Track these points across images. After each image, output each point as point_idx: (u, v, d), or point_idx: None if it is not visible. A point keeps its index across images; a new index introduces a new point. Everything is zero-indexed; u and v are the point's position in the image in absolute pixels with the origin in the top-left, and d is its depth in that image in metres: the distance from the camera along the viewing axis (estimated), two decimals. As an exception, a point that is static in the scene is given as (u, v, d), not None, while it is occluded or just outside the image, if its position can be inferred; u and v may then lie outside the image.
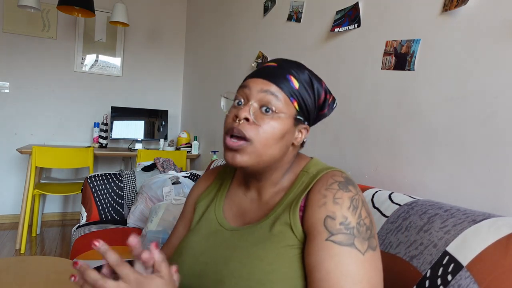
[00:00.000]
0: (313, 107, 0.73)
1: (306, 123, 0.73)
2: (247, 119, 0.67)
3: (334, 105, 0.78)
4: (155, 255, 0.55)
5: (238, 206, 0.78)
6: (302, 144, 0.76)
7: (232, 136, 0.68)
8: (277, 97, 0.68)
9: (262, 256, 0.65)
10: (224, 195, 0.81)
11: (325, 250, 0.60)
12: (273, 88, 0.68)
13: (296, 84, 0.70)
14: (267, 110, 0.67)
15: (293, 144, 0.72)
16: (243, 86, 0.71)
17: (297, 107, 0.70)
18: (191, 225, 0.81)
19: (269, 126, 0.67)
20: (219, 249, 0.71)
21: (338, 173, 0.69)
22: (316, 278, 0.60)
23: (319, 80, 0.74)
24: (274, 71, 0.71)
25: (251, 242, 0.68)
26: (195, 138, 3.34)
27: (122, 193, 2.12)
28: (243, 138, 0.66)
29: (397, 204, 0.99)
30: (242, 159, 0.67)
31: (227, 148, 0.69)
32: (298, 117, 0.70)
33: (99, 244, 0.52)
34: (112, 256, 0.53)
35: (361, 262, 0.60)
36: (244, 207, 0.77)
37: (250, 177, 0.75)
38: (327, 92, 0.75)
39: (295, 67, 0.72)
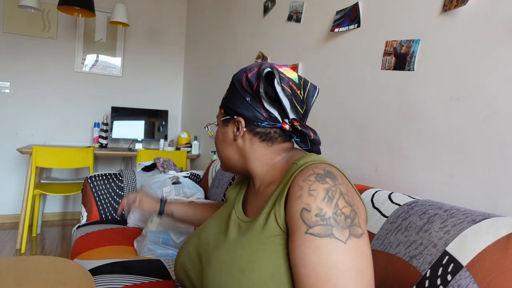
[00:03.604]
0: (239, 97, 0.79)
1: (235, 116, 0.80)
2: None
3: (262, 74, 0.75)
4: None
5: (250, 200, 0.84)
6: (264, 136, 0.79)
7: None
8: (217, 115, 0.87)
9: (246, 245, 0.69)
10: (244, 190, 0.89)
11: (307, 244, 0.61)
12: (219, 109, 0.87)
13: (225, 94, 0.84)
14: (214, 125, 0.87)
15: (235, 138, 0.81)
16: None
17: (223, 111, 0.84)
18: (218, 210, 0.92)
19: (215, 138, 0.88)
20: (220, 235, 0.79)
21: (321, 166, 0.69)
22: (303, 274, 0.61)
23: (242, 71, 0.80)
24: None
25: (242, 233, 0.73)
26: (195, 138, 3.34)
27: (122, 193, 2.12)
28: None
29: (397, 204, 0.99)
30: (220, 165, 0.89)
31: None
32: (223, 118, 0.83)
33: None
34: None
35: (343, 251, 0.60)
36: (251, 200, 0.83)
37: (248, 176, 0.85)
38: (249, 71, 0.78)
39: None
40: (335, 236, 0.60)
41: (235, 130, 0.81)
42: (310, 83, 0.81)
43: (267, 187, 0.79)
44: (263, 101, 0.76)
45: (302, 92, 0.78)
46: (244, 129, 0.79)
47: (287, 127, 0.77)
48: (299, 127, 0.76)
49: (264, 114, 0.76)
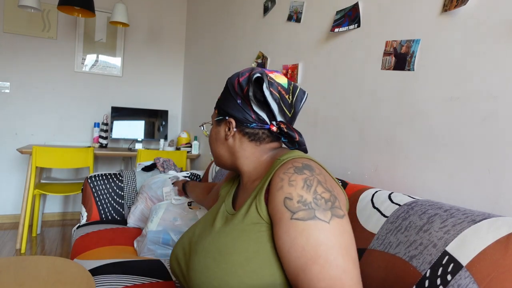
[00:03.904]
0: (231, 99, 0.85)
1: (227, 117, 0.86)
2: None
3: (251, 78, 0.80)
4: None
5: (239, 195, 0.90)
6: (253, 136, 0.84)
7: None
8: (212, 117, 0.94)
9: (228, 233, 0.75)
10: (236, 186, 0.95)
11: (293, 229, 0.66)
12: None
13: (220, 96, 0.90)
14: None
15: (226, 137, 0.87)
16: None
17: (217, 112, 0.90)
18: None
19: (209, 136, 0.95)
20: (208, 225, 0.84)
21: (300, 160, 0.74)
22: (294, 257, 0.65)
23: (235, 75, 0.86)
24: None
25: (226, 223, 0.79)
26: (195, 138, 3.34)
27: (122, 193, 2.12)
28: None
29: (396, 204, 0.99)
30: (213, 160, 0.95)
31: None
32: (217, 118, 0.89)
33: None
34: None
35: (328, 230, 0.65)
36: (240, 195, 0.89)
37: (237, 172, 0.92)
38: (241, 75, 0.84)
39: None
40: (318, 217, 0.65)
41: (226, 130, 0.87)
42: (300, 88, 0.86)
43: (253, 182, 0.84)
44: (252, 104, 0.82)
45: (290, 96, 0.84)
46: (235, 129, 0.85)
47: (274, 129, 0.83)
48: (285, 129, 0.82)
49: (253, 116, 0.82)
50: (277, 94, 0.81)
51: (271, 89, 0.81)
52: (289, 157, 0.77)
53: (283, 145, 0.90)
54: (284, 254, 0.67)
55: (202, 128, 1.03)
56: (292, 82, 0.86)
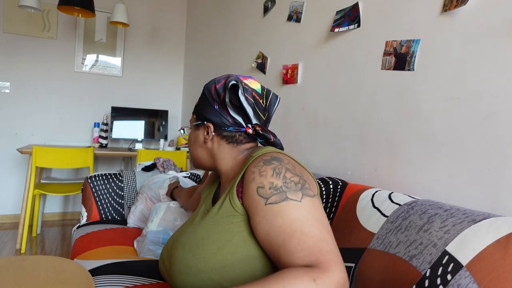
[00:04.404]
0: (209, 104, 0.90)
1: (205, 122, 0.91)
2: None
3: (227, 85, 0.86)
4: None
5: (220, 193, 0.96)
6: (231, 138, 0.89)
7: None
8: (190, 121, 0.99)
9: (203, 226, 0.81)
10: (215, 186, 1.01)
11: (269, 213, 0.71)
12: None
13: (197, 101, 0.95)
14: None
15: (205, 141, 0.92)
16: None
17: (195, 116, 0.95)
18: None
19: (188, 139, 1.00)
20: (188, 224, 0.91)
21: (269, 154, 0.81)
22: (273, 237, 0.70)
23: (212, 82, 0.91)
24: None
25: (204, 217, 0.85)
26: (195, 138, 3.34)
27: (122, 193, 2.12)
28: None
29: (397, 204, 0.99)
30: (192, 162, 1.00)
31: None
32: (195, 123, 0.94)
33: None
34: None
35: (301, 207, 0.70)
36: (219, 194, 0.96)
37: (216, 172, 1.01)
38: (217, 82, 0.89)
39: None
40: (290, 198, 0.71)
41: (205, 134, 0.92)
42: (272, 92, 0.93)
43: (230, 181, 0.90)
44: (229, 109, 0.87)
45: (264, 101, 0.90)
46: (213, 133, 0.91)
47: (250, 131, 0.88)
48: (260, 131, 0.87)
49: (230, 120, 0.88)
50: (252, 99, 0.88)
51: (246, 94, 0.87)
52: (260, 153, 0.82)
53: (259, 145, 0.95)
54: (263, 238, 0.72)
55: (183, 132, 1.07)
56: (266, 87, 0.93)
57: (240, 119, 0.88)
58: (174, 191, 1.71)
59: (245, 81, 0.90)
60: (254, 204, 0.74)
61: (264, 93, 0.91)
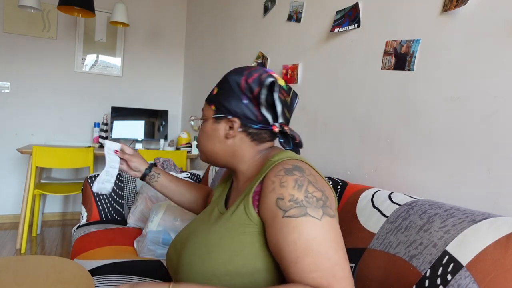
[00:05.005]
0: (237, 98, 0.83)
1: (230, 116, 0.83)
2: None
3: (266, 82, 0.81)
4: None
5: (232, 195, 0.92)
6: (255, 136, 0.84)
7: None
8: (203, 110, 0.91)
9: (216, 230, 0.77)
10: (228, 186, 0.96)
11: (285, 226, 0.67)
12: (204, 104, 0.91)
13: (215, 91, 0.87)
14: (199, 120, 0.92)
15: (227, 136, 0.84)
16: None
17: (213, 108, 0.86)
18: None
19: (200, 131, 0.91)
20: (200, 223, 0.87)
21: (290, 161, 0.76)
22: (286, 252, 0.67)
23: (238, 73, 0.85)
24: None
25: (217, 222, 0.80)
26: (195, 138, 3.34)
27: (122, 193, 2.12)
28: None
29: (397, 204, 0.99)
30: (200, 156, 0.93)
31: None
32: (216, 115, 0.85)
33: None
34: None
35: (320, 226, 0.67)
36: (232, 195, 0.90)
37: (230, 170, 0.94)
38: (248, 76, 0.83)
39: (223, 77, 0.88)
40: (310, 214, 0.67)
41: (227, 128, 0.85)
42: (293, 90, 0.88)
43: (244, 183, 0.86)
44: (261, 106, 0.82)
45: (289, 98, 0.86)
46: (240, 129, 0.84)
47: (276, 130, 0.83)
48: (288, 131, 0.83)
49: (259, 117, 0.83)
50: (283, 97, 0.83)
51: (279, 93, 0.82)
52: (280, 158, 0.78)
53: (275, 145, 0.91)
54: (277, 251, 0.69)
55: (193, 123, 0.96)
56: (287, 85, 0.88)
57: (269, 117, 0.83)
58: (161, 172, 1.15)
59: (274, 75, 0.85)
60: (272, 215, 0.70)
61: (290, 90, 0.87)
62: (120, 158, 1.09)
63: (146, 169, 1.12)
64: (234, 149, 0.86)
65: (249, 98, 0.82)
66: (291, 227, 0.67)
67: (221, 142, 0.86)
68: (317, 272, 0.64)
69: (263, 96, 0.81)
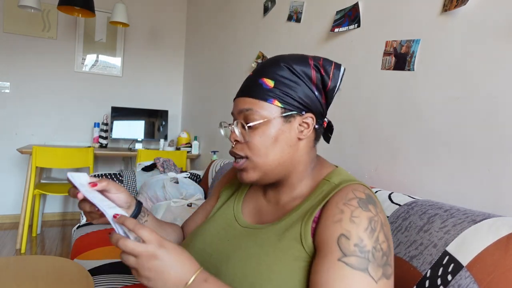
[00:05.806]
0: (308, 91, 0.69)
1: (304, 112, 0.69)
2: (238, 141, 0.71)
3: (340, 72, 0.71)
4: (128, 224, 0.56)
5: (255, 204, 0.78)
6: (318, 136, 0.74)
7: (236, 159, 0.72)
8: (252, 110, 0.69)
9: (262, 260, 0.63)
10: (245, 192, 0.82)
11: (336, 271, 0.57)
12: (248, 102, 0.69)
13: (270, 83, 0.69)
14: (249, 126, 0.69)
15: (299, 138, 0.70)
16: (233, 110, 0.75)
17: (279, 104, 0.68)
18: (211, 212, 0.84)
19: (255, 139, 0.68)
20: (226, 243, 0.71)
21: (360, 188, 0.65)
22: None
23: (302, 61, 0.70)
24: (249, 82, 0.72)
25: (257, 243, 0.67)
26: (195, 138, 3.34)
27: (122, 193, 2.12)
28: (242, 157, 0.70)
29: (397, 204, 0.99)
30: (248, 176, 0.70)
31: (236, 169, 0.73)
32: (285, 113, 0.68)
33: (118, 217, 0.57)
34: (130, 221, 0.55)
35: None
36: (261, 207, 0.77)
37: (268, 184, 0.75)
38: (318, 67, 0.70)
39: (268, 65, 0.71)
40: (369, 272, 0.56)
41: (298, 127, 0.70)
42: None
43: (294, 199, 0.72)
44: (330, 99, 0.72)
45: None
46: (316, 126, 0.71)
47: (325, 125, 0.75)
48: (331, 125, 0.76)
49: (326, 111, 0.73)
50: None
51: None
52: (342, 181, 0.68)
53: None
54: (312, 285, 0.59)
55: (237, 131, 0.70)
56: None
57: (326, 111, 0.72)
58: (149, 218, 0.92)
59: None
60: (326, 250, 0.59)
61: None
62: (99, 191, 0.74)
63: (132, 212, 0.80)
64: (298, 154, 0.71)
65: (318, 90, 0.70)
66: (341, 275, 0.56)
67: (291, 147, 0.69)
68: None
69: (337, 89, 0.71)
